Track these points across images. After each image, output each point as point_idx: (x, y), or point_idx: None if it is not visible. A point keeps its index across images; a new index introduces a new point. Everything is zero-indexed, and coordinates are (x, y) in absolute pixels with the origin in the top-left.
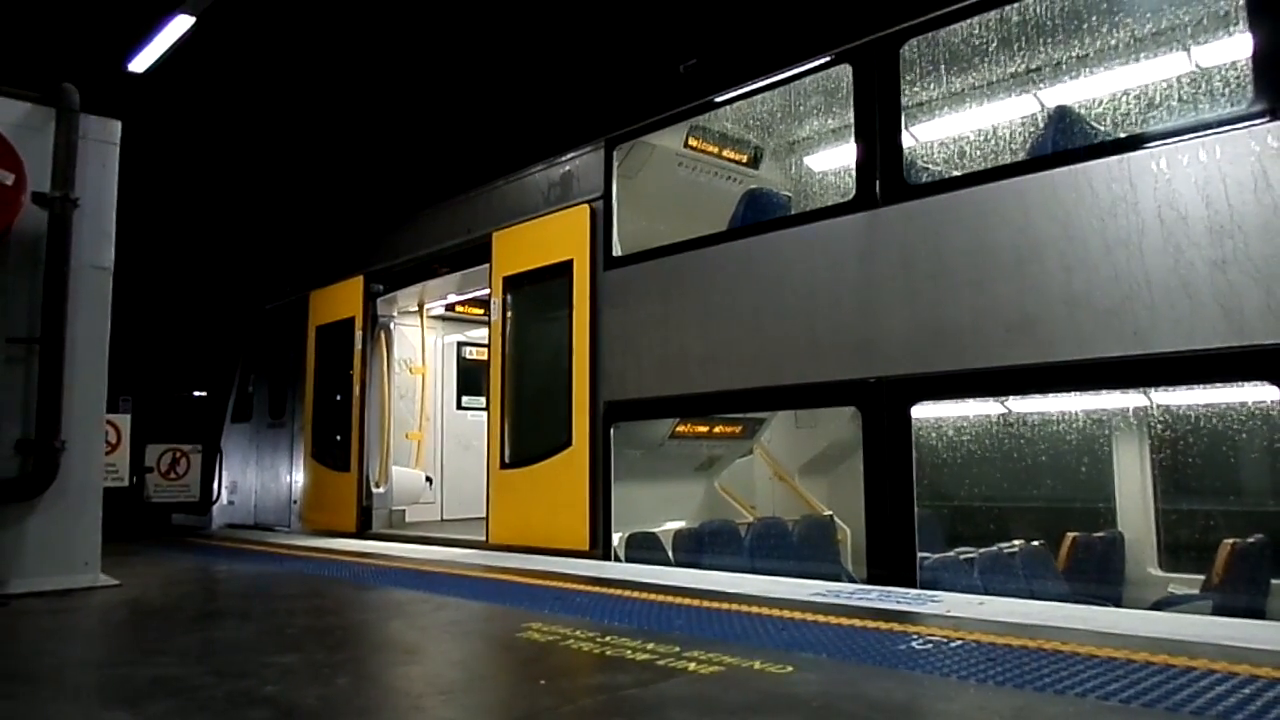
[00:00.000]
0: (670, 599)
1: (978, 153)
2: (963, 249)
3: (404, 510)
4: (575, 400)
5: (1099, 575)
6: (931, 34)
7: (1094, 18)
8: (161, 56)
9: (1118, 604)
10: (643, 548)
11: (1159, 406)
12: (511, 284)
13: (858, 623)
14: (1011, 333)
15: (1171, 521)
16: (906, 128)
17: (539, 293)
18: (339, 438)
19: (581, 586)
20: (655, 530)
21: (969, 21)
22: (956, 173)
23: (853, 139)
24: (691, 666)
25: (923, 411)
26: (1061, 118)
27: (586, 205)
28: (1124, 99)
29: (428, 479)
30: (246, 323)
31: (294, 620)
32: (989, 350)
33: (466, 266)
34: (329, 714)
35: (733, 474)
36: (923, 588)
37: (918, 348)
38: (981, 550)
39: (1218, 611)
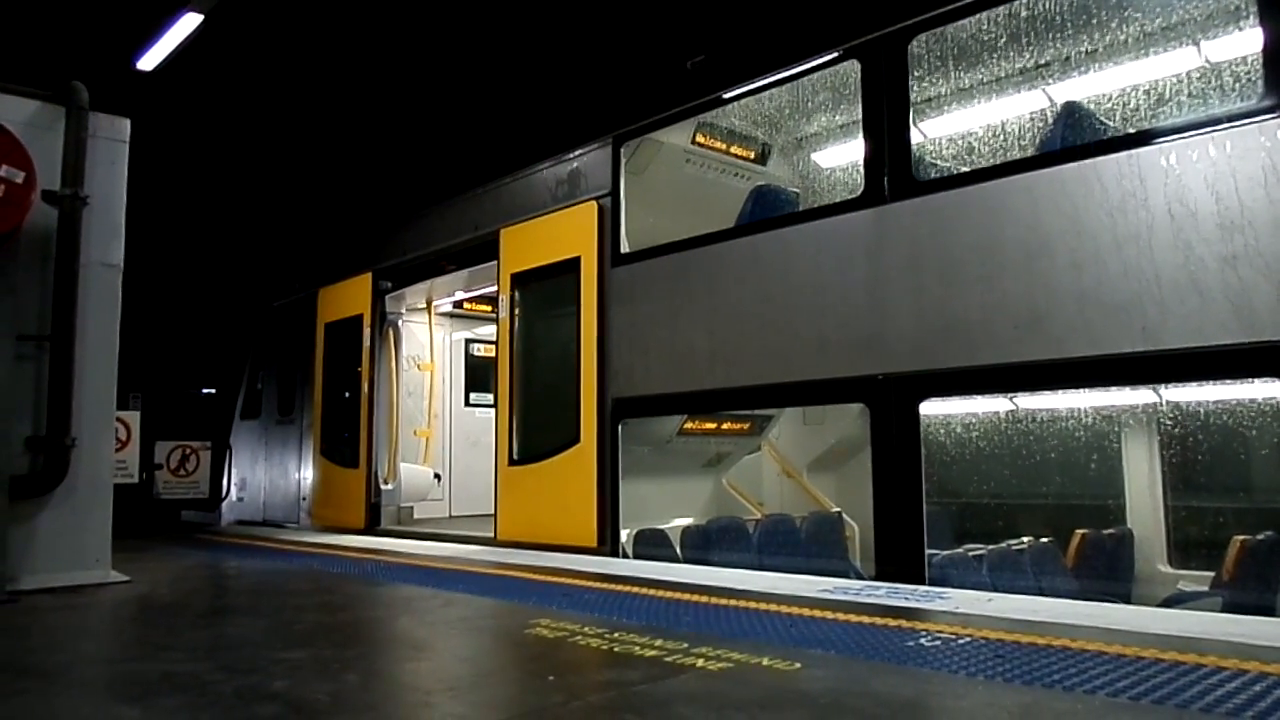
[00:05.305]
0: (678, 595)
1: (986, 149)
2: (971, 245)
3: (412, 507)
4: (583, 397)
5: (1108, 572)
6: (940, 29)
7: (1103, 12)
8: (170, 54)
9: (1127, 601)
10: (651, 544)
11: (1168, 403)
12: (519, 281)
13: (866, 620)
14: (1020, 329)
15: (1181, 518)
16: (915, 124)
17: (547, 290)
18: (347, 434)
19: (590, 583)
20: (663, 527)
21: (977, 17)
22: (965, 169)
23: (861, 135)
24: (700, 663)
25: (931, 408)
26: (1070, 113)
27: (594, 202)
28: (1134, 94)
29: (436, 476)
30: (255, 320)
31: (303, 616)
32: (998, 347)
33: (474, 263)
34: (338, 710)
35: (741, 471)
36: (931, 585)
37: (926, 344)
38: (990, 547)
39: (1228, 609)
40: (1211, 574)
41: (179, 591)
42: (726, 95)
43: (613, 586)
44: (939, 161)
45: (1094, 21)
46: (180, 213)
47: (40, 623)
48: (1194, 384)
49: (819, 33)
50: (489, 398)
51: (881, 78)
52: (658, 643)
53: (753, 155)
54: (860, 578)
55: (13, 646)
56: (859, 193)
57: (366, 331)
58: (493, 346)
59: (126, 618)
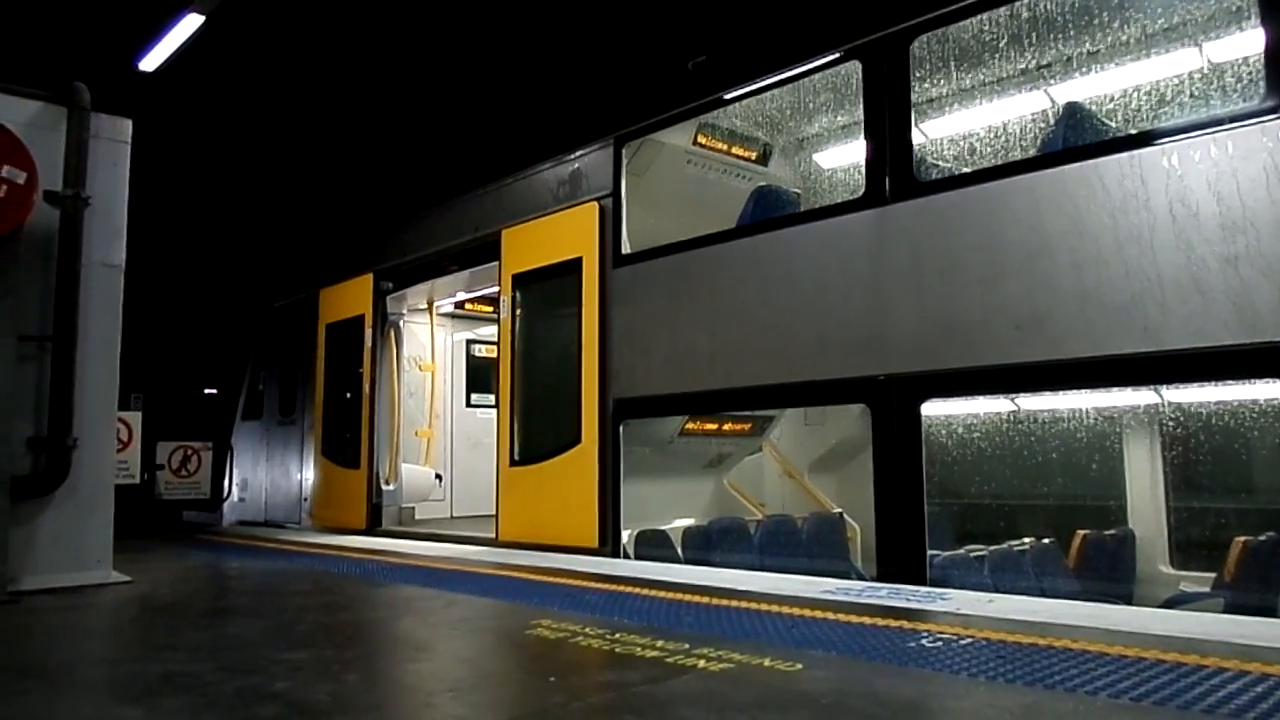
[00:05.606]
0: (680, 596)
1: (988, 149)
2: (973, 246)
3: (414, 507)
4: (584, 397)
5: (1110, 573)
6: (941, 30)
7: (1105, 13)
8: (171, 55)
9: (1129, 602)
10: (652, 545)
11: (1170, 404)
12: (521, 282)
13: (867, 620)
14: (1022, 330)
15: (1183, 519)
16: (916, 124)
17: (548, 290)
18: (349, 435)
19: (591, 584)
20: (665, 528)
21: (979, 18)
22: (967, 169)
23: (862, 136)
24: (701, 664)
25: (932, 409)
26: (1072, 114)
27: (595, 203)
28: (1135, 95)
29: (437, 476)
30: (257, 320)
31: (304, 617)
32: (999, 347)
33: (476, 264)
34: (339, 711)
35: (742, 471)
36: (933, 585)
37: (927, 345)
38: (992, 548)
39: (1229, 609)
40: (1213, 575)
41: (180, 592)
42: (728, 96)
43: (614, 587)
44: (940, 162)
45: (1095, 22)
46: (181, 213)
47: (41, 623)
48: (1196, 384)
49: (820, 33)
50: (490, 398)
51: (883, 78)
52: (659, 643)
53: (754, 156)
54: (862, 578)
55: (14, 647)
56: (860, 193)
57: (368, 332)
58: (494, 347)
59: (128, 618)
